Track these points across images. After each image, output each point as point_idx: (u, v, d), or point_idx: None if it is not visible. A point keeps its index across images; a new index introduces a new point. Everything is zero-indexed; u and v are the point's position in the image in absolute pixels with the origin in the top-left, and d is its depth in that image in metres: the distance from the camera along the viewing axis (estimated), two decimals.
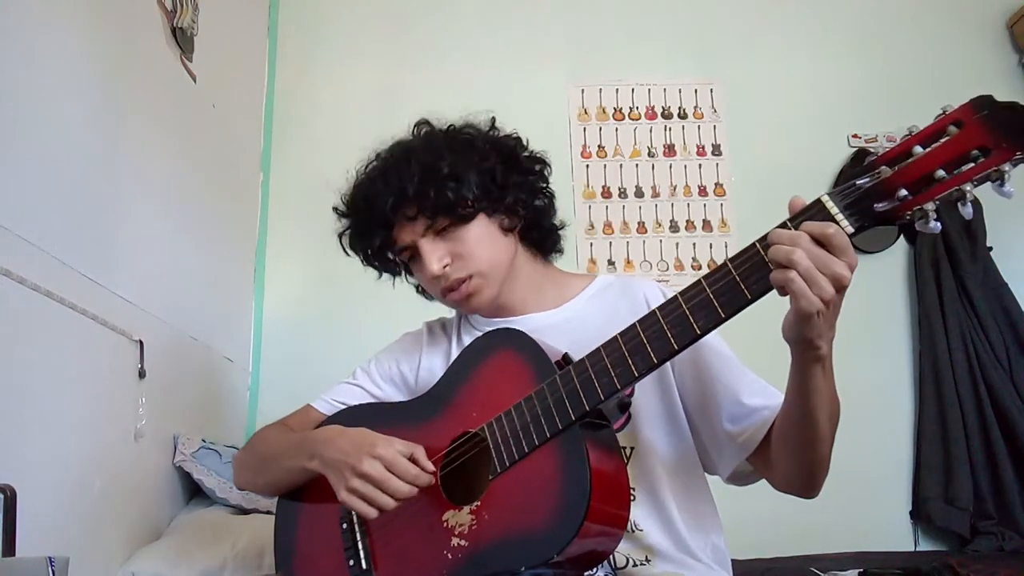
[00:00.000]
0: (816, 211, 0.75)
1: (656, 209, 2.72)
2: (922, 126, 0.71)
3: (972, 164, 0.69)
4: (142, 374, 1.65)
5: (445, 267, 1.07)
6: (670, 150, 2.78)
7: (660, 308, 0.84)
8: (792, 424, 0.89)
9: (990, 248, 2.60)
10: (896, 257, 2.69)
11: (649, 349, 0.84)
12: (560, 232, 1.21)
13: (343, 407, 1.19)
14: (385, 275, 1.22)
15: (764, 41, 2.88)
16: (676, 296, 0.83)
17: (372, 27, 2.87)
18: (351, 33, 2.87)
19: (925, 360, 2.53)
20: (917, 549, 2.38)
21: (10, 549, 1.10)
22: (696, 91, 2.84)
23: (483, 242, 1.08)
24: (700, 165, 2.77)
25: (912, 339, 2.62)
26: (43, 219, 1.32)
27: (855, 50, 2.87)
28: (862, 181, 0.74)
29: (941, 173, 0.70)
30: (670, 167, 2.76)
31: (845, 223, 0.74)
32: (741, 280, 0.78)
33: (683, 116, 2.82)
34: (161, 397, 1.76)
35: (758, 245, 0.78)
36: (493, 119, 1.17)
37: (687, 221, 2.71)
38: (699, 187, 2.75)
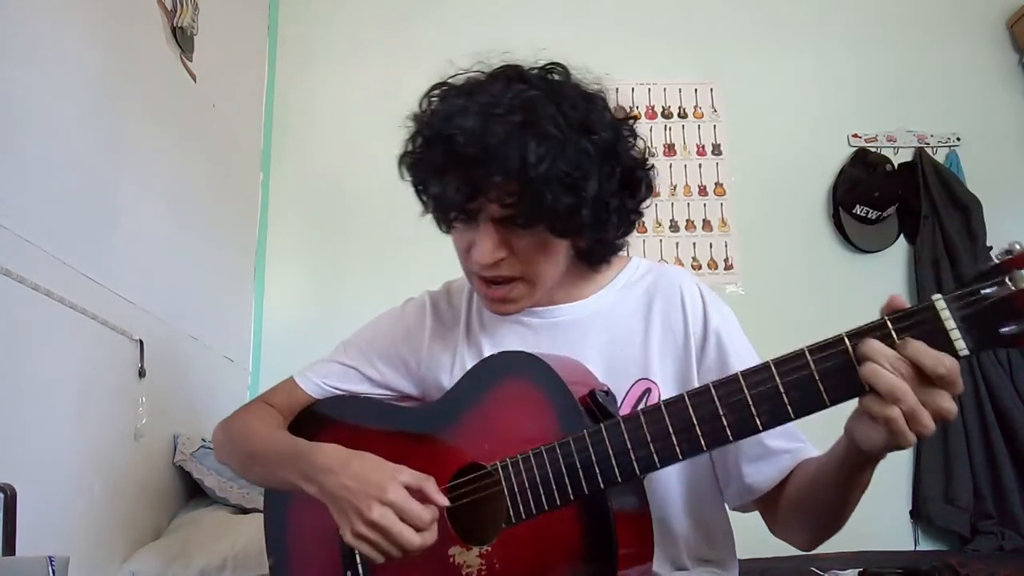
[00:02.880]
0: (927, 321, 0.63)
1: (656, 209, 2.71)
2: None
3: None
4: (142, 374, 1.64)
5: (499, 260, 0.92)
6: (670, 150, 2.78)
7: (716, 387, 0.73)
8: (822, 507, 0.84)
9: (990, 248, 2.60)
10: (896, 257, 2.69)
11: (699, 432, 0.73)
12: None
13: (334, 391, 1.13)
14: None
15: (764, 41, 2.88)
16: (738, 376, 0.72)
17: (372, 27, 2.87)
18: (351, 33, 2.86)
19: None
20: (917, 549, 2.38)
21: (10, 549, 1.10)
22: (696, 91, 2.83)
23: (547, 254, 0.94)
24: (700, 165, 2.77)
25: None
26: (43, 219, 1.32)
27: (855, 50, 2.87)
28: (989, 290, 0.60)
29: None
30: (670, 167, 2.76)
31: (960, 343, 0.61)
32: (820, 379, 0.66)
33: (683, 116, 2.82)
34: (161, 397, 1.76)
35: (848, 342, 0.65)
36: (636, 116, 1.00)
37: (687, 221, 2.71)
38: (699, 187, 2.74)
